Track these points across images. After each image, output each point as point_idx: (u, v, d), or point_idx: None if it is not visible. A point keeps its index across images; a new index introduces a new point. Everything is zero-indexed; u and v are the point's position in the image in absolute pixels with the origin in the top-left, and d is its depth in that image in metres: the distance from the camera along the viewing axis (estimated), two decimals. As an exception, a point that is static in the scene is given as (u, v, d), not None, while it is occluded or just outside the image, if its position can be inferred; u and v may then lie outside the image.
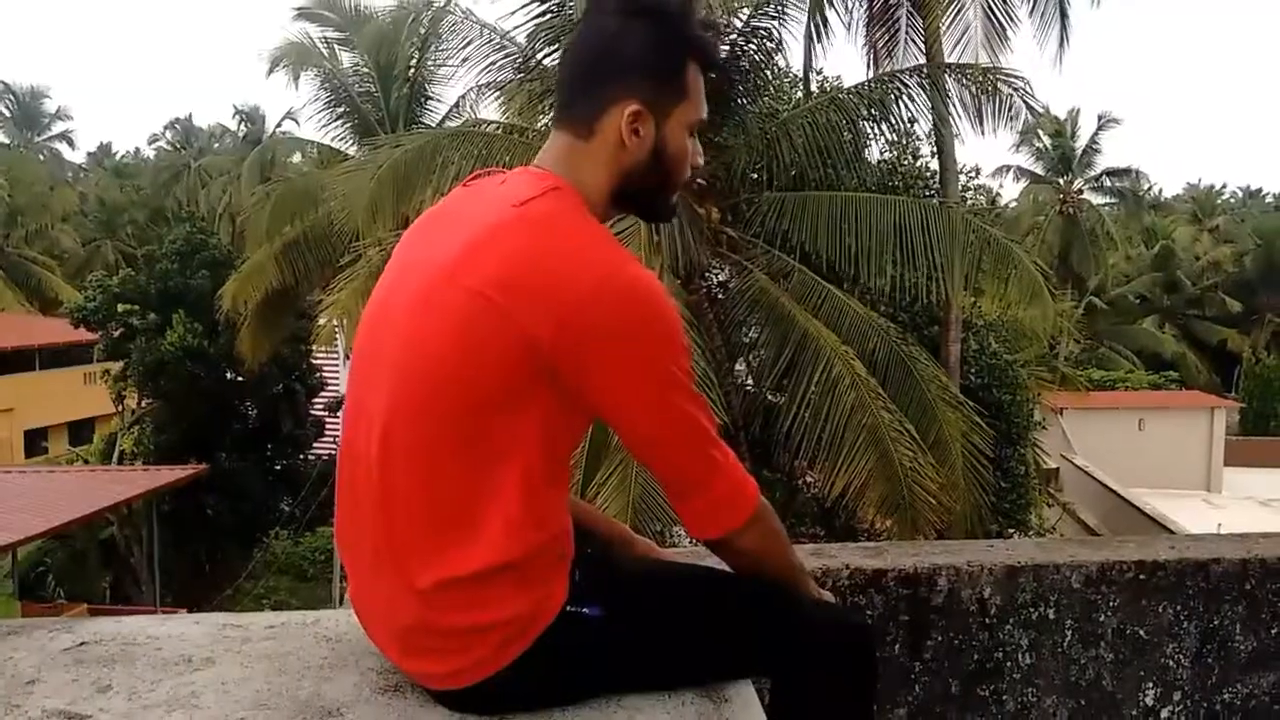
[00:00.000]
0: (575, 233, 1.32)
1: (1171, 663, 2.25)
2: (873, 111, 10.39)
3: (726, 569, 1.50)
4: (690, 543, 1.61)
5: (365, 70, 17.93)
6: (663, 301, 1.32)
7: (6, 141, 49.37)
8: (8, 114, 51.47)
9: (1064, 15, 12.12)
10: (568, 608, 1.37)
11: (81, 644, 1.59)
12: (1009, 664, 2.19)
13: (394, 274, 1.43)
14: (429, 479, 1.31)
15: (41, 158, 48.21)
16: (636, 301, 1.29)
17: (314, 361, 20.02)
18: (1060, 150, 36.44)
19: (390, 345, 1.36)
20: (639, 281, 1.30)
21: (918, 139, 12.93)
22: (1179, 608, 2.24)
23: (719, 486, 1.38)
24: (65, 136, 53.75)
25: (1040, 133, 33.57)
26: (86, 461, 23.24)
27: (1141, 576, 2.23)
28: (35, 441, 29.02)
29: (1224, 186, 59.74)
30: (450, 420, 1.30)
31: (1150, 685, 2.24)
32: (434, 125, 16.71)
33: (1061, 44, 12.18)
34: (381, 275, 1.47)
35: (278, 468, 20.55)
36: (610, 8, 1.43)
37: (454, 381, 1.29)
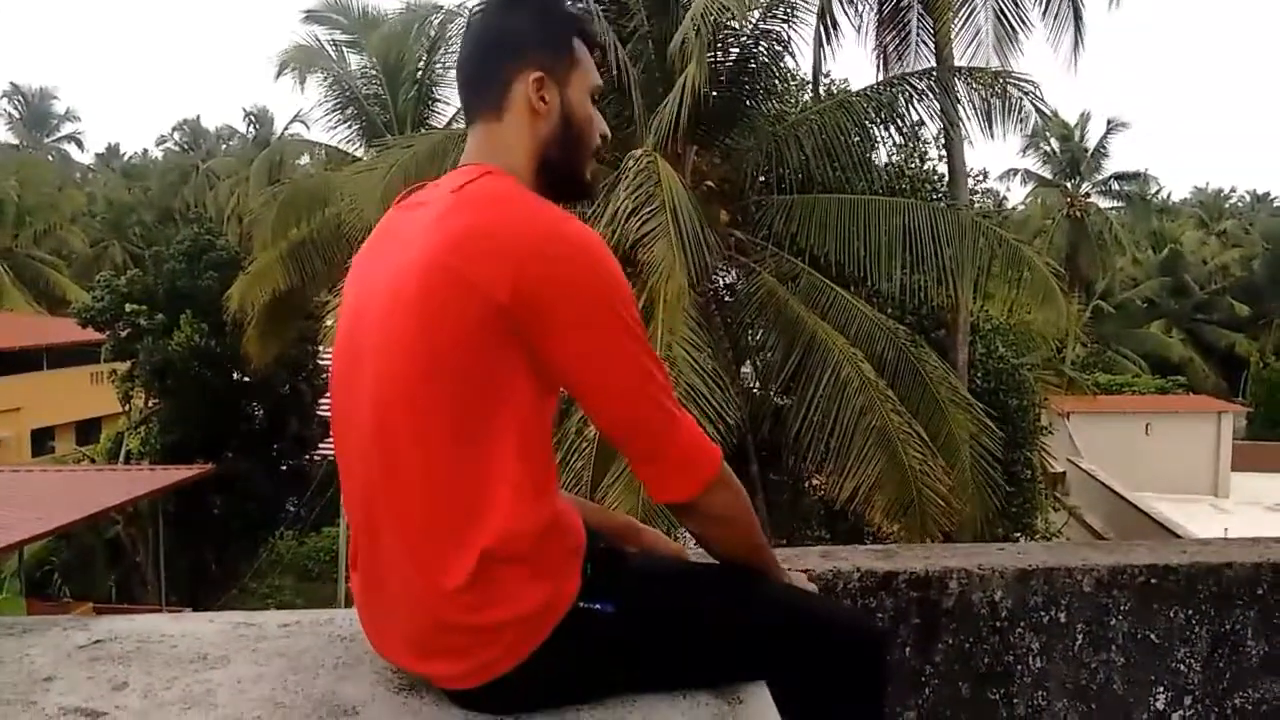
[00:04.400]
0: (517, 199, 1.37)
1: (1183, 667, 2.24)
2: (881, 115, 10.39)
3: (741, 570, 1.50)
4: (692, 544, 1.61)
5: (373, 73, 17.93)
6: (607, 252, 1.37)
7: (15, 143, 49.56)
8: (17, 115, 51.68)
9: (1078, 17, 12.09)
10: (580, 603, 1.36)
11: (97, 641, 1.59)
12: (1020, 667, 2.18)
13: (356, 294, 1.46)
14: (431, 472, 1.32)
15: (50, 159, 48.34)
16: (583, 252, 1.33)
17: (320, 362, 20.04)
18: (1069, 154, 36.40)
19: (367, 355, 1.37)
20: (583, 234, 1.35)
21: (925, 142, 12.94)
22: (1190, 612, 2.24)
23: (681, 443, 1.38)
24: (74, 138, 53.99)
25: (1049, 136, 33.57)
26: (93, 461, 23.30)
27: (1153, 580, 2.22)
28: (42, 441, 29.08)
29: (1232, 190, 59.67)
30: (439, 405, 1.31)
31: (1161, 690, 2.24)
32: (441, 127, 16.72)
33: (1076, 46, 12.16)
34: (343, 300, 1.51)
35: (284, 468, 20.60)
36: (493, 6, 1.58)
37: (430, 365, 1.30)
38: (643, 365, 1.35)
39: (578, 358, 1.33)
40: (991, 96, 10.01)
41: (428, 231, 1.34)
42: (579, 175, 1.53)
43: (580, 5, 1.59)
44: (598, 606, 1.37)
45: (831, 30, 11.76)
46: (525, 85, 1.45)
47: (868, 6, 12.08)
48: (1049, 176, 37.28)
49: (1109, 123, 36.22)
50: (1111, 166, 36.91)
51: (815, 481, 11.37)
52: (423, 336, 1.30)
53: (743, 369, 10.88)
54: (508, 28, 1.49)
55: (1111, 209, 37.67)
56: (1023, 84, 10.09)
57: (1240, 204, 57.54)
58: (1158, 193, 46.06)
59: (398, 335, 1.32)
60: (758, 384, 11.00)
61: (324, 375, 20.22)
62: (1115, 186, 37.37)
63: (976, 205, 14.12)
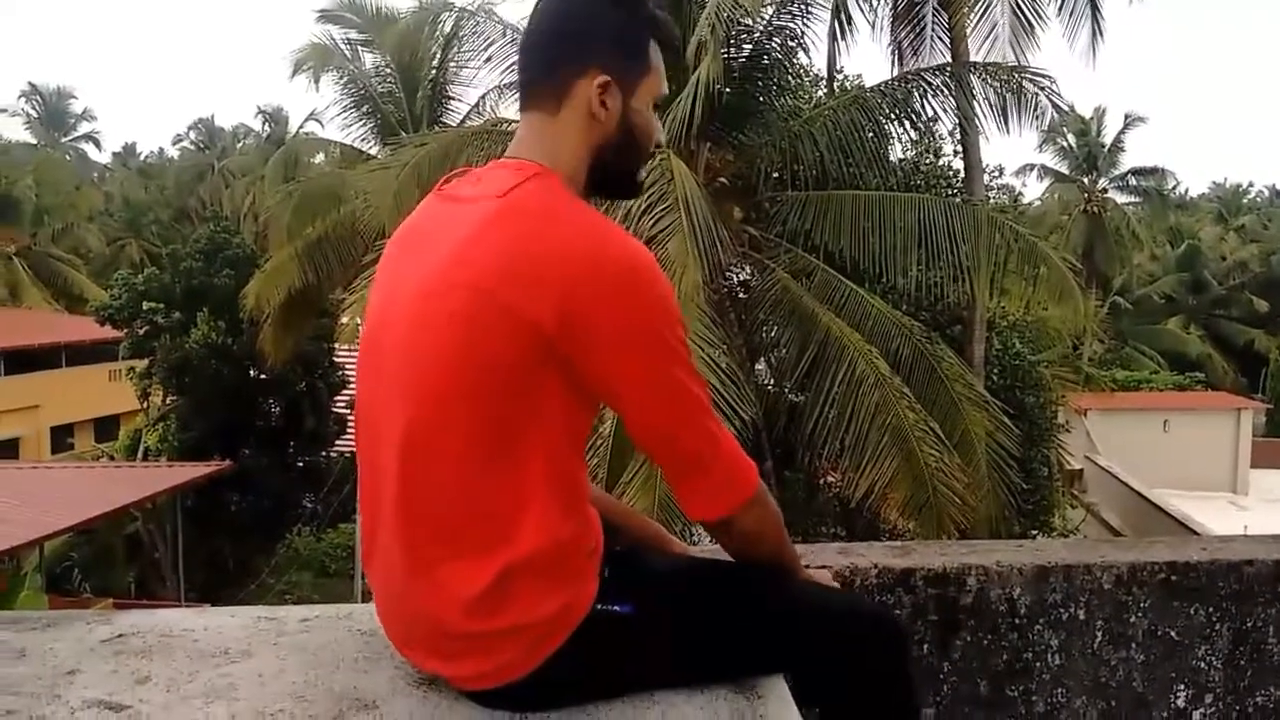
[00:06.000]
0: (563, 214, 1.31)
1: (1203, 664, 2.23)
2: (896, 110, 10.34)
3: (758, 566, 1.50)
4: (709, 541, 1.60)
5: (387, 71, 17.97)
6: (658, 274, 1.33)
7: (34, 142, 49.77)
8: (35, 114, 51.89)
9: (1096, 10, 11.99)
10: (598, 606, 1.36)
11: (119, 635, 1.61)
12: (1038, 664, 2.18)
13: (385, 290, 1.42)
14: (457, 488, 1.31)
15: (68, 158, 48.56)
16: (632, 276, 1.29)
17: (336, 359, 20.12)
18: (1085, 149, 36.17)
19: (395, 362, 1.35)
20: (634, 256, 1.31)
21: (940, 138, 12.87)
22: (1211, 609, 2.22)
23: (720, 465, 1.37)
24: (91, 137, 54.13)
25: (1065, 131, 33.37)
26: (112, 458, 23.46)
27: (1173, 577, 2.21)
28: (61, 438, 29.28)
29: (1250, 185, 58.99)
30: (470, 426, 1.29)
31: (1181, 687, 2.23)
32: (455, 125, 16.74)
33: (1094, 39, 12.06)
34: (371, 295, 1.47)
35: (300, 464, 20.68)
36: None
37: (467, 386, 1.28)
38: (686, 389, 1.33)
39: (620, 381, 1.32)
40: (1007, 92, 9.95)
41: (470, 242, 1.30)
42: (631, 179, 1.50)
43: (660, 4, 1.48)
44: (616, 608, 1.37)
45: (846, 26, 11.70)
46: (589, 87, 1.38)
47: (882, 2, 12.02)
48: (1066, 172, 37.04)
49: (1126, 117, 36.07)
50: (1129, 162, 36.73)
51: (830, 478, 11.34)
52: (459, 357, 1.28)
53: (757, 366, 10.86)
54: (584, 15, 1.40)
55: (1129, 204, 37.41)
56: (1039, 79, 10.03)
57: (1259, 199, 57.04)
58: (1175, 188, 45.73)
59: (432, 350, 1.30)
60: (772, 381, 10.98)
61: (339, 373, 20.33)
62: (1133, 182, 37.12)
63: (992, 201, 14.05)
